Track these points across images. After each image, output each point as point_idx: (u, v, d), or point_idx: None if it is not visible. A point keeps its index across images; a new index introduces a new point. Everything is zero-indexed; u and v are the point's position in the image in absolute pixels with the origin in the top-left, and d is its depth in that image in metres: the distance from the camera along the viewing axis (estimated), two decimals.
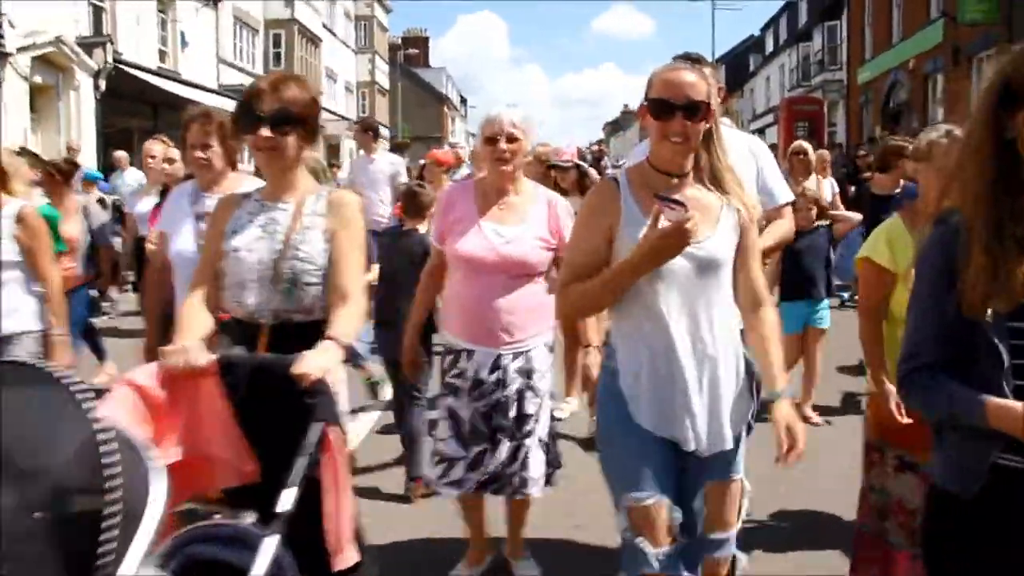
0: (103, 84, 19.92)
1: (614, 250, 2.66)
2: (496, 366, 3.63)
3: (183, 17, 25.12)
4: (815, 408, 6.65)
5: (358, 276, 2.91)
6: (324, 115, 19.11)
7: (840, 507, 4.61)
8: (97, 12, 20.91)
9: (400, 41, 64.39)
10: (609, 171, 16.49)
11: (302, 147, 2.92)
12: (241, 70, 30.35)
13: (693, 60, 3.72)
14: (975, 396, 1.85)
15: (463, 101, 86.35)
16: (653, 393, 2.66)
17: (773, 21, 48.46)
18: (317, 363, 2.53)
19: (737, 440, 2.76)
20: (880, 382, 3.35)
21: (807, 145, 9.63)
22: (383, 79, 54.16)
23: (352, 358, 5.84)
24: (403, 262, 5.15)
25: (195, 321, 2.84)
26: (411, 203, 5.52)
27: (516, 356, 3.64)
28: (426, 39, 73.37)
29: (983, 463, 1.89)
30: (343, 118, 43.40)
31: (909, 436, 3.11)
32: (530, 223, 3.65)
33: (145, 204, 7.34)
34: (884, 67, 28.19)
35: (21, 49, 16.81)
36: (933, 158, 3.33)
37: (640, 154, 3.08)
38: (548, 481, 3.82)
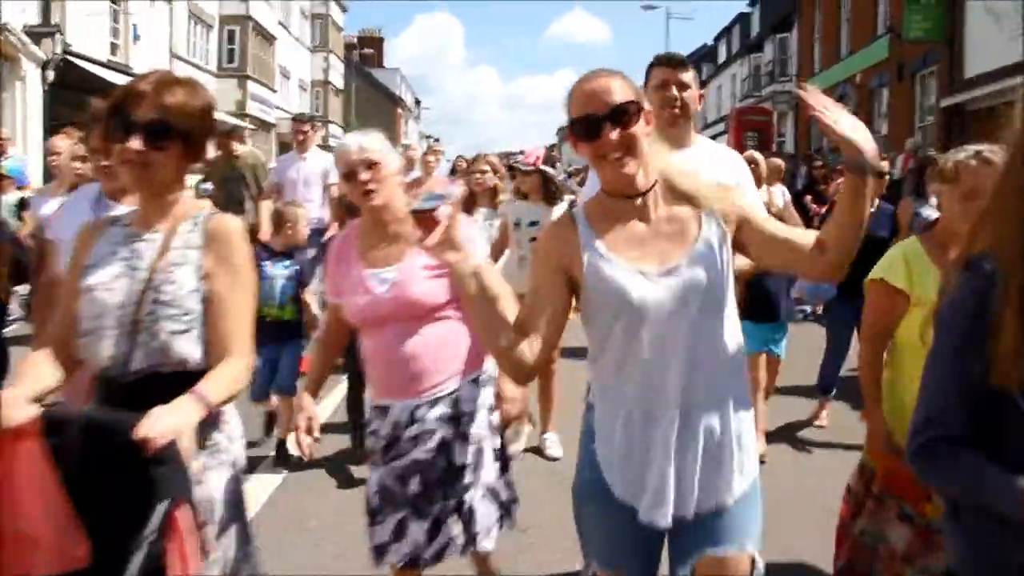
0: (51, 75, 19.60)
1: (583, 292, 2.30)
2: (413, 419, 3.13)
3: (136, 10, 24.82)
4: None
5: (243, 323, 2.42)
6: (277, 113, 18.85)
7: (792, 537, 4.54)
8: (46, 1, 20.58)
9: (355, 40, 64.13)
10: (560, 177, 16.66)
11: (182, 166, 2.45)
12: (195, 66, 30.04)
13: (677, 62, 3.68)
14: (1014, 480, 1.56)
15: (417, 102, 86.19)
16: (626, 463, 2.29)
17: (726, 31, 49.12)
18: (166, 424, 2.04)
19: (744, 501, 2.33)
20: (876, 420, 3.18)
21: (759, 155, 9.55)
22: (337, 78, 53.87)
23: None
24: None
25: (35, 371, 2.35)
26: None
27: (435, 403, 3.13)
28: (381, 39, 73.17)
29: (1013, 559, 1.62)
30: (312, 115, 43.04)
31: (915, 490, 2.96)
32: (411, 253, 3.10)
33: (51, 206, 6.42)
34: (832, 80, 28.69)
35: None
36: (960, 181, 3.05)
37: (595, 183, 2.66)
38: (503, 523, 3.32)
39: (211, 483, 2.40)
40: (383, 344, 3.13)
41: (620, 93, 2.19)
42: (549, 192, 6.06)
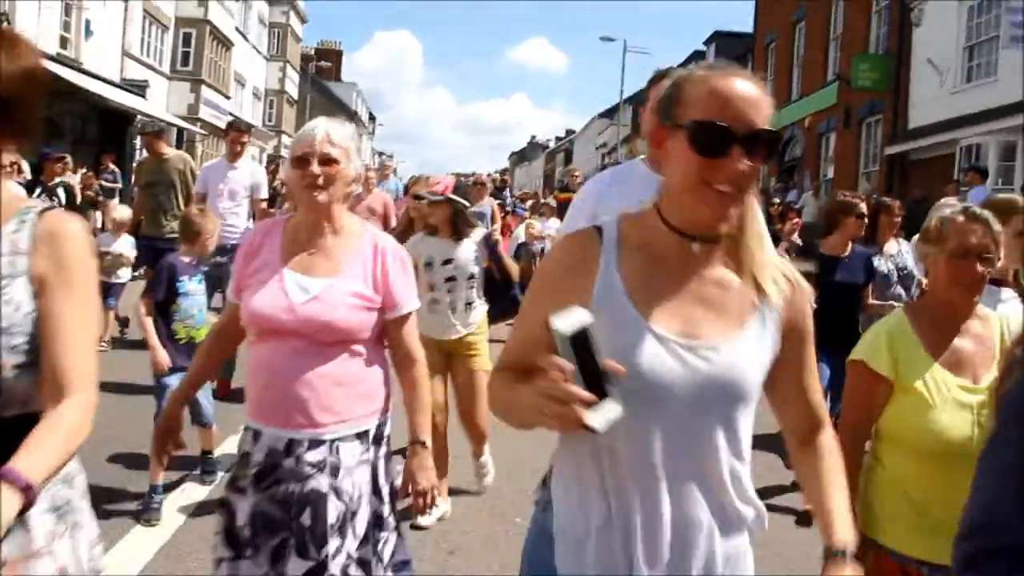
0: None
1: None
2: (288, 452, 2.69)
3: (90, 5, 24.47)
4: None
5: (82, 352, 1.83)
6: (229, 119, 18.41)
7: None
8: None
9: (313, 52, 63.91)
10: (508, 202, 16.85)
11: (2, 145, 1.87)
12: (148, 66, 29.71)
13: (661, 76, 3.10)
14: None
15: (372, 118, 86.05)
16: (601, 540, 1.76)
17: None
18: None
19: None
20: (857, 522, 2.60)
21: None
22: (293, 89, 53.64)
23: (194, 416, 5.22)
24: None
25: None
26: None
27: (314, 445, 2.68)
28: (339, 52, 73.06)
29: None
30: (250, 125, 42.76)
31: None
32: (346, 275, 2.76)
33: None
34: (782, 122, 29.27)
35: None
36: (947, 240, 2.73)
37: (636, 191, 2.06)
38: None
39: (61, 555, 1.86)
40: (274, 359, 2.72)
41: (766, 112, 1.70)
42: (457, 226, 5.26)
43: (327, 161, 2.76)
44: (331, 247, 2.82)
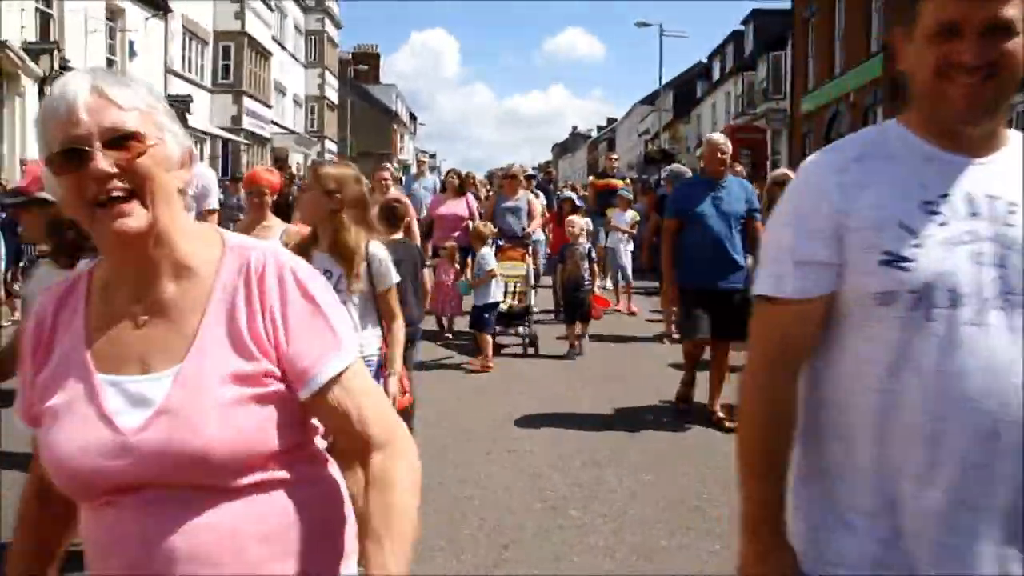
0: (48, 90, 19.63)
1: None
2: None
3: (132, 26, 24.90)
4: None
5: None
6: (272, 128, 18.76)
7: None
8: (45, 19, 20.67)
9: (351, 56, 64.29)
10: (566, 193, 16.29)
11: None
12: (190, 81, 30.13)
13: None
14: None
15: (413, 118, 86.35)
16: None
17: (719, 49, 49.34)
18: None
19: None
20: None
21: (791, 173, 8.01)
22: (332, 94, 54.00)
23: None
24: (406, 271, 5.55)
25: None
26: (389, 216, 6.24)
27: None
28: (377, 55, 73.30)
29: None
30: (291, 131, 43.27)
31: None
32: (205, 345, 1.50)
33: None
34: (826, 98, 28.86)
35: None
36: None
37: (904, 169, 1.64)
38: None
39: None
40: (126, 533, 1.47)
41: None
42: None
43: (118, 141, 1.42)
44: (170, 301, 1.52)
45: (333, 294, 1.60)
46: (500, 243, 10.07)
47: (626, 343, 10.59)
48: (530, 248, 10.68)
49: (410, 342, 6.02)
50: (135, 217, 1.44)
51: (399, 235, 6.41)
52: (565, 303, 10.21)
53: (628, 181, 15.99)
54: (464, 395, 7.87)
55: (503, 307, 9.68)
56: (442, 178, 14.01)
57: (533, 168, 18.48)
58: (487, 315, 9.30)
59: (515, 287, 10.00)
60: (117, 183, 1.42)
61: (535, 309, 10.48)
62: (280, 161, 16.24)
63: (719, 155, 6.91)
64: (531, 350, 9.82)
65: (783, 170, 8.14)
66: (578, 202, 12.70)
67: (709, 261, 6.68)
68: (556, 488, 5.43)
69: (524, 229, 10.48)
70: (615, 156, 16.57)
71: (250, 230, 5.37)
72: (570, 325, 9.88)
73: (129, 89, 1.47)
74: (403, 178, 15.73)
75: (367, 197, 4.18)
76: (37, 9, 20.28)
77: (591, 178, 18.76)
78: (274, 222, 5.67)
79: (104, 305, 1.55)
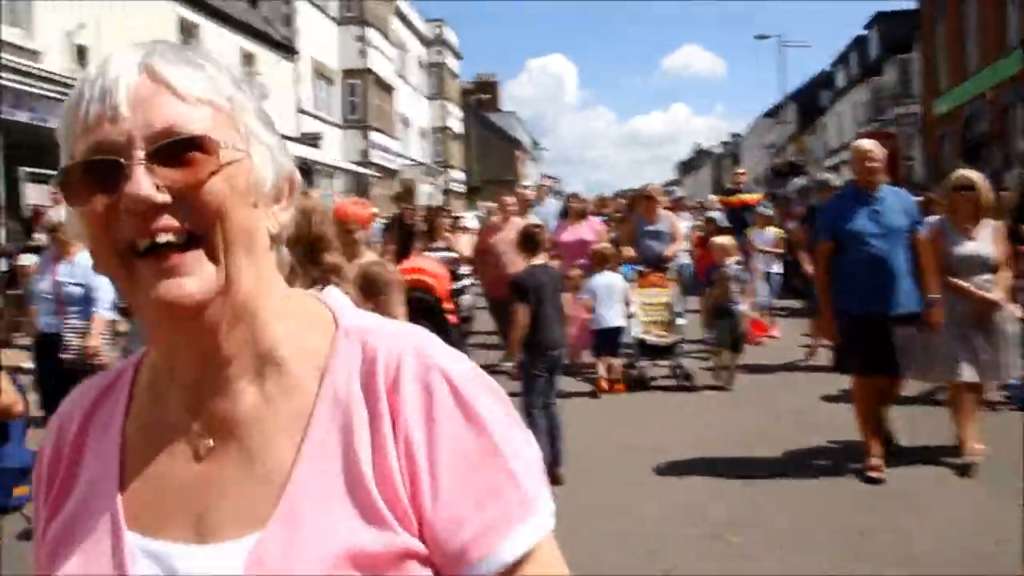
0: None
1: None
2: None
3: (264, 69, 26.08)
4: None
5: None
6: (400, 160, 19.29)
7: None
8: None
9: (471, 86, 65.46)
10: (710, 213, 15.71)
11: None
12: (320, 119, 31.26)
13: None
14: None
15: (535, 144, 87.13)
16: None
17: (843, 56, 48.07)
18: None
19: None
20: None
21: (975, 175, 6.28)
22: (455, 124, 55.06)
23: None
24: (546, 295, 6.13)
25: None
26: (528, 241, 6.49)
27: None
28: (495, 84, 74.39)
29: None
30: (418, 163, 44.30)
31: None
32: (305, 498, 0.88)
33: None
34: (961, 98, 27.69)
35: None
36: None
37: None
38: None
39: None
40: None
41: None
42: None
43: (175, 150, 0.87)
44: (248, 418, 0.95)
45: (515, 413, 0.96)
46: (640, 268, 9.51)
47: (774, 372, 9.77)
48: (673, 273, 9.90)
49: (553, 367, 6.10)
50: (197, 277, 0.88)
51: (539, 259, 6.43)
52: (714, 329, 9.45)
53: (761, 196, 14.98)
54: (609, 423, 7.72)
55: (647, 337, 9.17)
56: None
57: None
58: (607, 339, 8.95)
59: (658, 316, 9.39)
60: (169, 220, 0.87)
61: (683, 339, 9.56)
62: (407, 192, 16.63)
63: (869, 163, 6.06)
64: (685, 382, 9.14)
65: (963, 172, 6.25)
66: (722, 222, 11.94)
67: (873, 284, 5.86)
68: (713, 512, 5.30)
69: (664, 253, 9.82)
70: (742, 171, 15.78)
71: None
72: (720, 353, 9.16)
73: (201, 71, 0.91)
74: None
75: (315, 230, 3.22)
76: None
77: (711, 197, 18.01)
78: (368, 259, 4.69)
79: (149, 416, 0.99)
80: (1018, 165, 21.95)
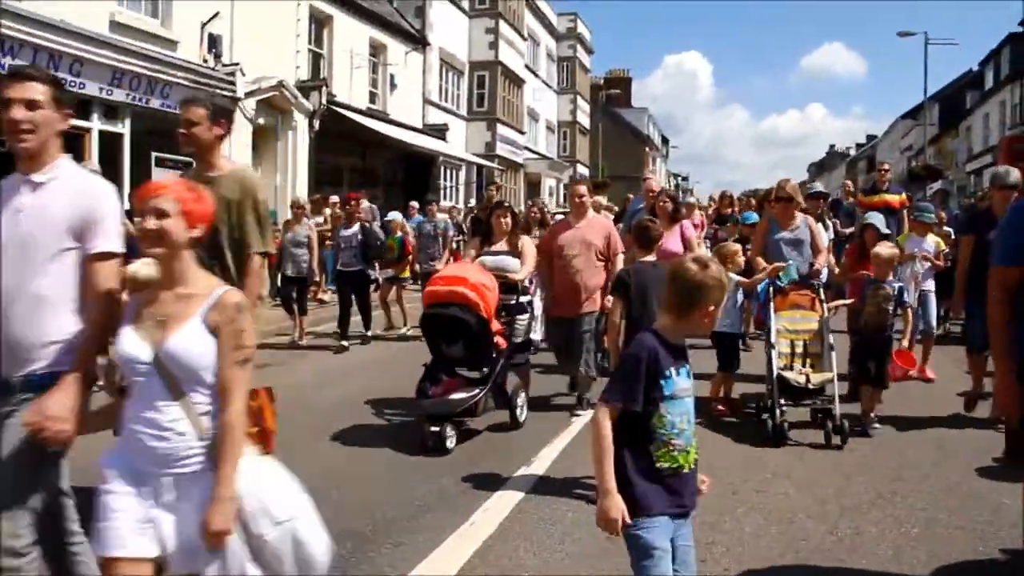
0: (317, 124, 21.39)
1: None
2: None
3: (393, 60, 26.67)
4: None
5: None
6: (525, 154, 19.39)
7: None
8: (315, 58, 22.60)
9: (602, 81, 65.18)
10: (869, 217, 14.21)
11: None
12: (447, 110, 31.74)
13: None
14: None
15: (665, 141, 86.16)
16: None
17: (993, 55, 45.74)
18: None
19: None
20: None
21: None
22: (584, 119, 54.95)
23: None
24: (653, 295, 5.67)
25: None
26: (642, 236, 6.24)
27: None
28: (628, 79, 73.84)
29: None
30: (544, 157, 44.43)
31: None
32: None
33: None
34: None
35: (248, 94, 18.39)
36: None
37: None
38: None
39: None
40: None
41: None
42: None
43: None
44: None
45: None
46: (778, 284, 7.50)
47: (922, 429, 7.37)
48: (820, 292, 7.68)
49: None
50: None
51: (651, 257, 6.20)
52: (858, 360, 7.42)
53: (906, 198, 12.75)
54: (711, 436, 7.05)
55: (790, 375, 7.05)
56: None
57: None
58: (726, 347, 7.85)
59: (804, 347, 7.36)
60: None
61: (833, 380, 7.06)
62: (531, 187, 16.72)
63: None
64: (836, 439, 6.78)
65: None
66: (884, 229, 9.12)
67: None
68: (811, 537, 4.99)
69: (812, 266, 7.81)
70: (886, 166, 13.77)
71: None
72: (862, 388, 7.43)
73: None
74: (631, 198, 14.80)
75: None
76: (310, 50, 22.22)
77: (848, 197, 16.11)
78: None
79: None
80: None
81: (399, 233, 13.94)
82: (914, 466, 6.33)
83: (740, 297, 7.97)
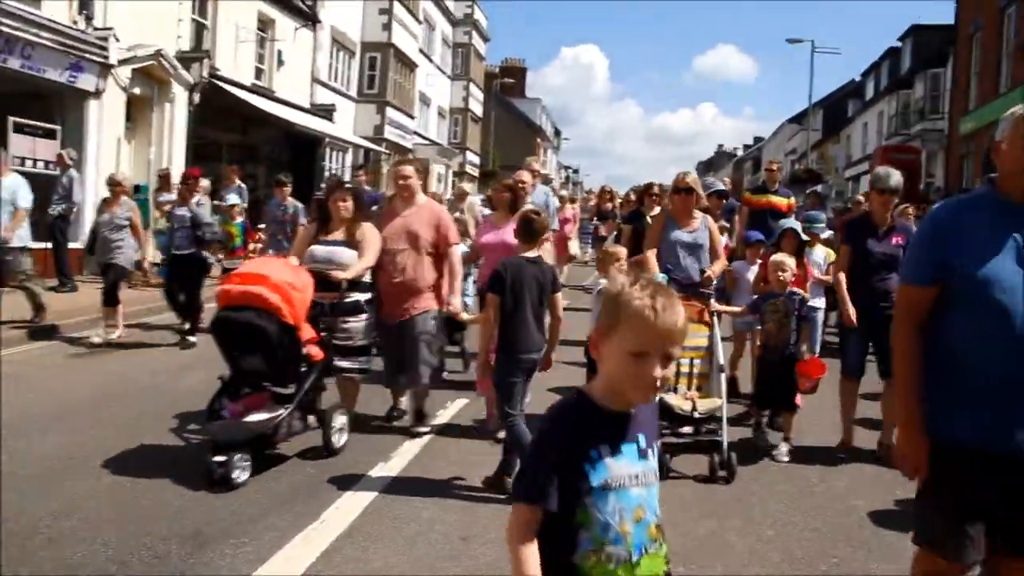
0: (197, 97, 20.36)
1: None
2: None
3: (282, 36, 25.68)
4: None
5: None
6: (414, 139, 19.07)
7: None
8: (199, 29, 21.50)
9: (497, 70, 64.94)
10: (786, 223, 13.76)
11: None
12: (336, 91, 30.88)
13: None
14: None
15: (557, 132, 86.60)
16: None
17: (874, 67, 47.41)
18: None
19: None
20: None
21: None
22: (476, 107, 54.62)
23: None
24: (535, 291, 5.46)
25: None
26: (525, 229, 5.64)
27: None
28: (523, 69, 73.86)
29: None
30: (434, 143, 43.91)
31: None
32: None
33: None
34: (988, 118, 27.11)
35: (123, 62, 17.32)
36: None
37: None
38: None
39: None
40: None
41: None
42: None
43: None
44: None
45: None
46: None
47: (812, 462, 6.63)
48: (711, 303, 6.76)
49: (529, 374, 5.60)
50: None
51: (533, 252, 5.63)
52: (762, 383, 6.91)
53: (793, 202, 11.51)
54: None
55: (672, 400, 6.11)
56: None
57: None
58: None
59: (691, 367, 6.45)
60: None
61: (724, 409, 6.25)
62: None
63: None
64: (722, 473, 5.99)
65: None
66: (822, 234, 8.63)
67: (1016, 388, 2.90)
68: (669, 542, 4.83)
69: (704, 272, 6.87)
70: (777, 164, 12.30)
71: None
72: (772, 415, 7.01)
73: None
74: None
75: None
76: (193, 20, 21.10)
77: (747, 193, 13.78)
78: None
79: None
80: None
81: (239, 219, 12.84)
82: (770, 470, 6.41)
83: None
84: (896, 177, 6.64)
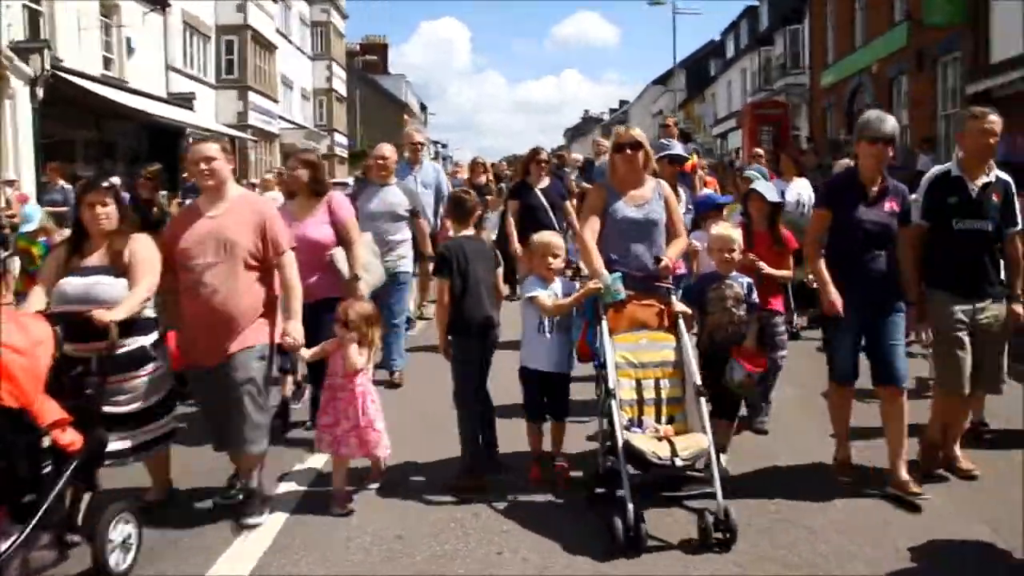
0: (41, 92, 18.89)
1: None
2: None
3: (129, 22, 24.15)
4: None
5: None
6: (280, 124, 18.09)
7: None
8: (34, 16, 19.91)
9: (358, 47, 63.59)
10: (573, 176, 14.07)
11: None
12: (192, 78, 29.44)
13: None
14: None
15: (423, 108, 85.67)
16: None
17: (733, 26, 48.34)
18: None
19: None
20: None
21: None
22: (340, 86, 53.32)
23: None
24: (483, 269, 5.29)
25: None
26: (457, 209, 5.59)
27: None
28: (385, 46, 72.72)
29: None
30: (300, 126, 42.60)
31: None
32: None
33: None
34: (847, 71, 27.89)
35: None
36: None
37: None
38: None
39: None
40: None
41: None
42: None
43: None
44: None
45: None
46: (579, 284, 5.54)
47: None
48: (674, 301, 5.11)
49: (486, 350, 5.39)
50: None
51: (469, 231, 5.56)
52: (711, 381, 4.93)
53: (701, 161, 10.64)
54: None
55: (640, 440, 4.46)
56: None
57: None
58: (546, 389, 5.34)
59: (657, 390, 4.80)
60: None
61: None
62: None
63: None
64: (718, 535, 4.25)
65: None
66: (773, 197, 6.37)
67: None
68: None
69: (659, 261, 5.13)
70: (673, 120, 11.33)
71: None
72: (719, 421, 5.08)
73: None
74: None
75: None
76: (24, 6, 19.46)
77: (600, 156, 13.05)
78: None
79: None
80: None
81: (42, 238, 10.25)
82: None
83: (547, 321, 5.21)
84: (891, 122, 5.15)
